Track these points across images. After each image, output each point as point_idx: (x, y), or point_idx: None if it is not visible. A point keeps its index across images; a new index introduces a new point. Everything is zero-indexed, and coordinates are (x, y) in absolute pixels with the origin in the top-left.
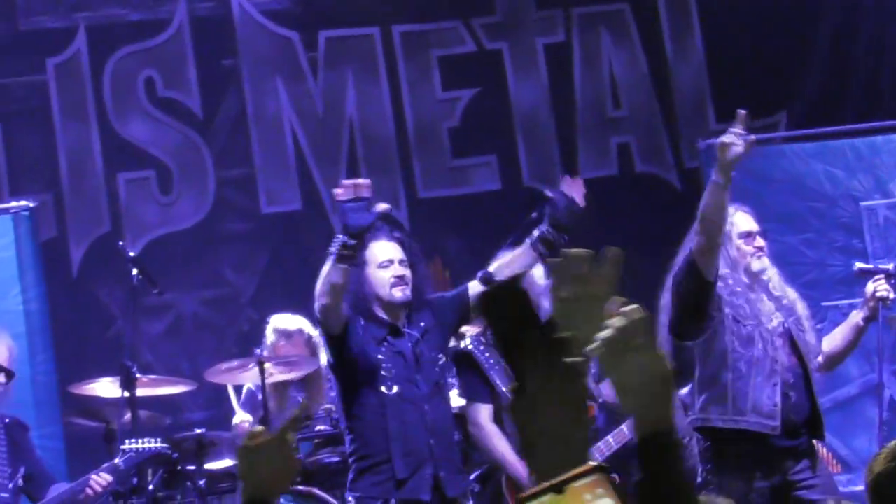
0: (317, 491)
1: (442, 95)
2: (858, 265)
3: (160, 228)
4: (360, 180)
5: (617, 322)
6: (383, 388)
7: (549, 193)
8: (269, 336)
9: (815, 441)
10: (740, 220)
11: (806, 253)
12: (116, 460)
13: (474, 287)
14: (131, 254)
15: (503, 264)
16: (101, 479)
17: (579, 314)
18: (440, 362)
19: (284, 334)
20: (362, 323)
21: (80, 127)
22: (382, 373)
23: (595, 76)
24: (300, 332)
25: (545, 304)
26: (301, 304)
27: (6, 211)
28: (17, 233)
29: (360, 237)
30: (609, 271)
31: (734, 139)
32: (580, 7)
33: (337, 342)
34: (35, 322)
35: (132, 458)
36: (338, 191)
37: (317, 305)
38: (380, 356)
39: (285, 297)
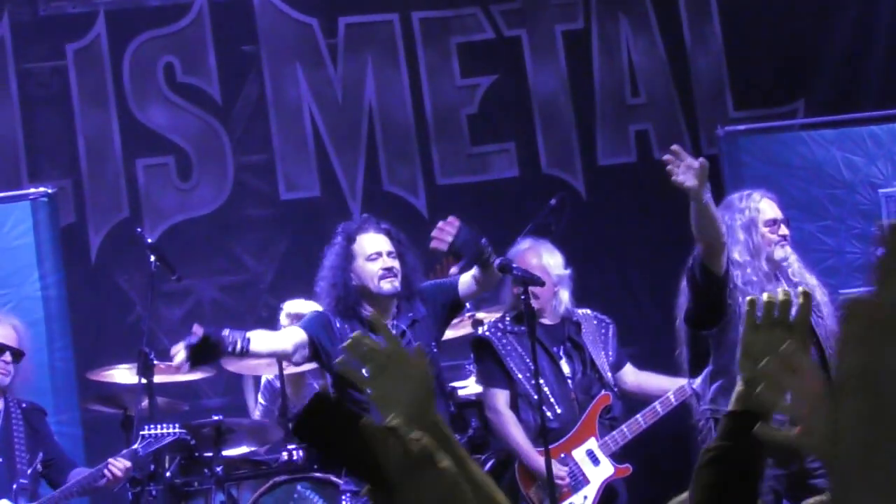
0: (334, 478)
1: (461, 82)
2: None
3: (179, 214)
4: (177, 354)
5: (782, 294)
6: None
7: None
8: (283, 321)
9: None
10: (766, 208)
11: (824, 240)
12: (136, 446)
13: (466, 277)
14: (149, 240)
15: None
16: (119, 465)
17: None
18: (431, 352)
19: (298, 318)
20: (338, 325)
21: (100, 113)
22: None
23: (613, 63)
24: None
25: (562, 295)
26: None
27: (25, 197)
28: (36, 219)
29: (202, 356)
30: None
31: (682, 175)
32: None
33: (313, 360)
34: (53, 308)
35: (151, 444)
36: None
37: None
38: None
39: (304, 284)
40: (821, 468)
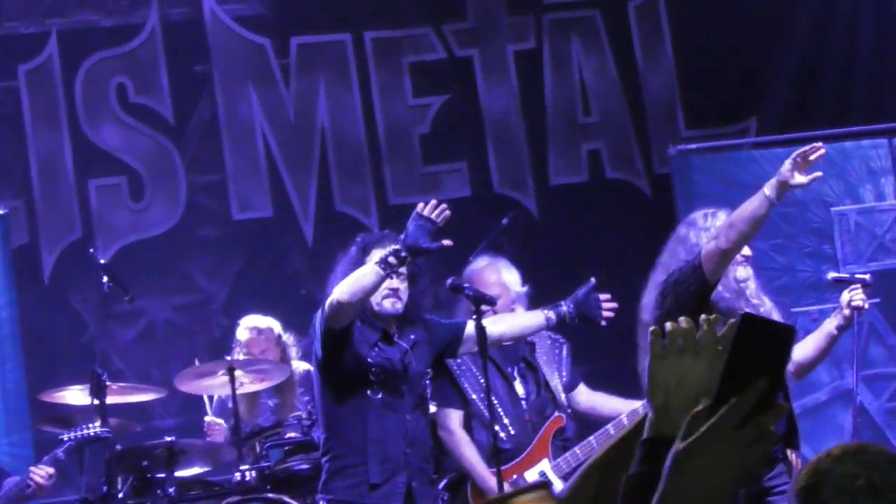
0: (286, 498)
1: (413, 102)
2: (832, 275)
3: (131, 235)
4: (444, 206)
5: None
6: (369, 392)
7: (592, 280)
8: (242, 334)
9: (788, 448)
10: None
11: (776, 258)
12: (56, 451)
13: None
14: (102, 261)
15: (508, 319)
16: (40, 472)
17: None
18: (427, 377)
19: (256, 330)
20: (358, 325)
21: (52, 133)
22: (371, 377)
23: (565, 83)
24: (270, 329)
25: (520, 311)
26: (272, 310)
27: None
28: None
29: (413, 256)
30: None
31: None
32: (551, 14)
33: (337, 337)
34: (5, 329)
35: (70, 445)
36: (422, 205)
37: (335, 300)
38: (370, 360)
39: (256, 304)
40: (778, 486)
